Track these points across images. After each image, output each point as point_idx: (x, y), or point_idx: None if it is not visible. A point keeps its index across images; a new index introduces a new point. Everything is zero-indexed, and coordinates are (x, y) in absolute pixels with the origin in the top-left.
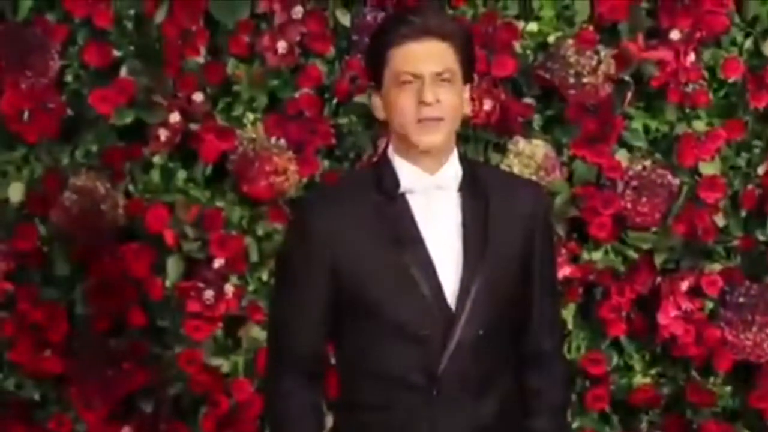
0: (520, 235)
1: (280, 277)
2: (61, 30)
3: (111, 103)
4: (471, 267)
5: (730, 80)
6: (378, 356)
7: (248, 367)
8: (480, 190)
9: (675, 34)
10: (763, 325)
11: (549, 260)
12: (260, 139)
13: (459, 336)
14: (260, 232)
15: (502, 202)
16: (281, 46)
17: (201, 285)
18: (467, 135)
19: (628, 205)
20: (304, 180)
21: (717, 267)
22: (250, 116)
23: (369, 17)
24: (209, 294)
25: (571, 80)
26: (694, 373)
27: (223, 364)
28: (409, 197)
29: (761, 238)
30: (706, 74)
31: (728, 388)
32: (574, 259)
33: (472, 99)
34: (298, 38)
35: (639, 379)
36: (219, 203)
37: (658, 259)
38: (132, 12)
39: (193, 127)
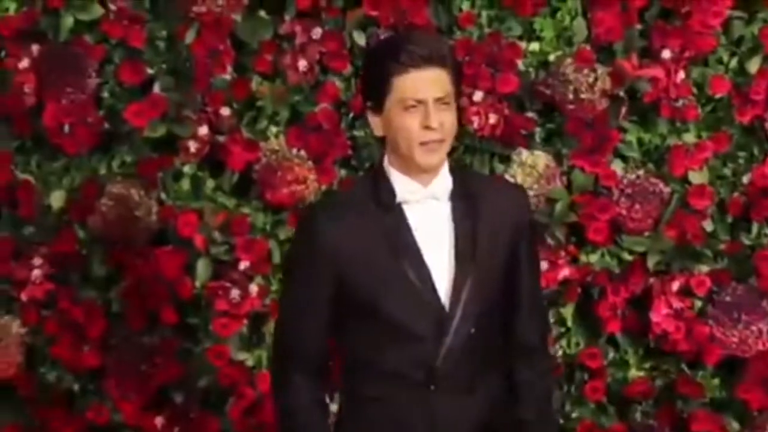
0: (507, 237)
1: (288, 280)
2: (98, 50)
3: (145, 117)
4: (462, 270)
5: (717, 96)
6: (378, 354)
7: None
8: (469, 198)
9: (666, 54)
10: (749, 323)
11: (534, 259)
12: (282, 151)
13: (453, 334)
14: (282, 236)
15: (490, 206)
16: (302, 64)
17: (228, 285)
18: (474, 146)
19: (623, 212)
20: (323, 188)
21: (705, 269)
22: (273, 129)
23: (382, 37)
24: (235, 293)
25: (570, 96)
26: (684, 367)
27: (248, 358)
28: (405, 207)
29: (746, 242)
30: (694, 90)
31: (716, 381)
32: (573, 261)
33: (478, 113)
34: (317, 57)
35: (633, 373)
36: (244, 210)
37: (651, 262)
38: (164, 33)
39: (221, 139)
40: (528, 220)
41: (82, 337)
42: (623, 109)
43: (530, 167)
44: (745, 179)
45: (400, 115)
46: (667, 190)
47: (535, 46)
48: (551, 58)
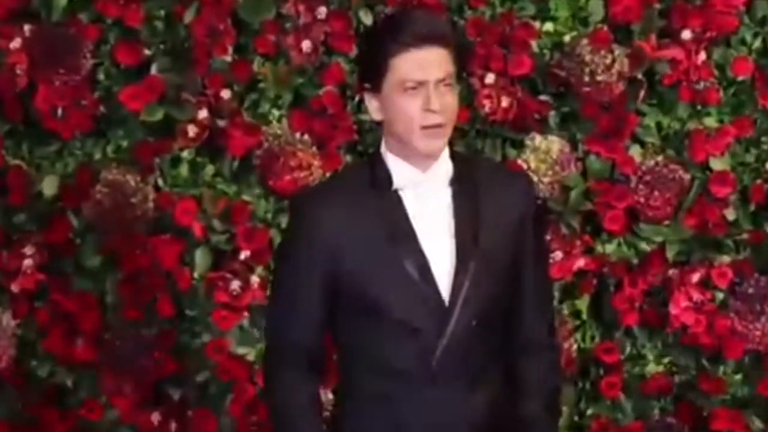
0: (511, 226)
1: (278, 272)
2: (93, 30)
3: (141, 100)
4: (463, 260)
5: (740, 78)
6: (375, 348)
7: None
8: (470, 184)
9: (686, 34)
10: None
11: (540, 250)
12: (285, 135)
13: (453, 327)
14: (285, 225)
15: (492, 194)
16: (305, 45)
17: (228, 276)
18: (485, 131)
19: (641, 199)
20: (328, 174)
21: (727, 259)
22: (276, 113)
23: (381, 17)
24: (236, 285)
25: (586, 78)
26: (704, 362)
27: (249, 353)
28: (402, 194)
29: None
30: (716, 72)
31: (738, 377)
32: (589, 251)
33: (490, 96)
34: (322, 37)
35: (651, 368)
36: (245, 197)
37: (670, 252)
38: (162, 12)
39: (221, 123)
40: (534, 209)
41: (75, 330)
42: (641, 92)
43: (544, 153)
44: None
45: (400, 98)
46: (687, 176)
47: (549, 26)
48: (566, 38)
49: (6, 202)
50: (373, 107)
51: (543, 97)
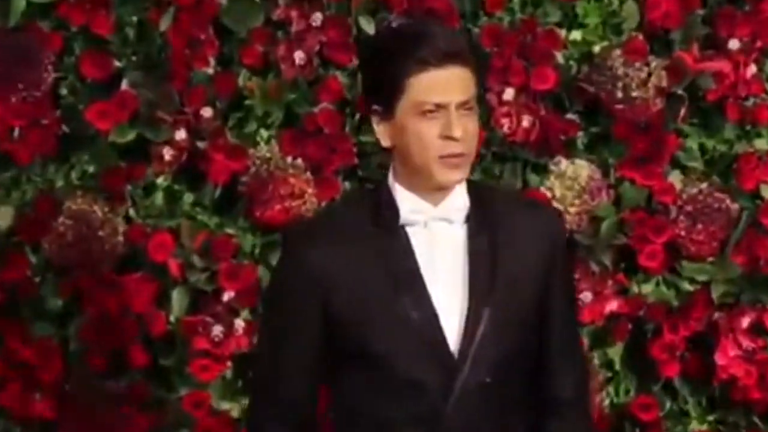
0: (535, 269)
1: (266, 316)
2: (56, 38)
3: (110, 119)
4: (476, 308)
5: None
6: (374, 405)
7: None
8: (489, 220)
9: (734, 44)
10: None
11: (568, 294)
12: (275, 159)
13: (462, 384)
14: (274, 261)
15: (515, 232)
16: (298, 56)
17: (209, 320)
18: (504, 154)
19: (682, 233)
20: (324, 204)
21: None
22: (264, 133)
23: (395, 25)
24: (218, 330)
25: (619, 94)
26: (756, 420)
27: (233, 408)
28: (410, 230)
29: None
30: None
31: None
32: (623, 292)
33: (509, 115)
34: (317, 47)
35: (695, 426)
36: (229, 230)
37: (716, 293)
38: (134, 19)
39: (201, 145)
40: (562, 248)
41: (34, 382)
42: (682, 110)
43: (571, 179)
44: None
45: (416, 123)
46: (735, 207)
47: (576, 34)
48: (596, 49)
49: None
50: (382, 132)
51: (570, 116)
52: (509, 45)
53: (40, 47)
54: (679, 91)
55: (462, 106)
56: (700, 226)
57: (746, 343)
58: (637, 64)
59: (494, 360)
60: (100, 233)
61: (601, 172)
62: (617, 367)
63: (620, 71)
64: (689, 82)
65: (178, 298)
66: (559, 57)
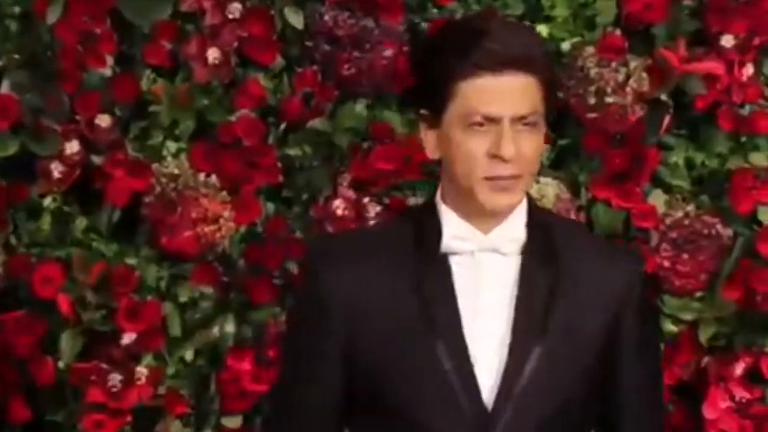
0: (601, 320)
1: (284, 352)
2: None
3: None
4: (518, 358)
5: None
6: None
7: None
8: (550, 257)
9: (727, 40)
10: None
11: (646, 353)
12: (184, 176)
13: None
14: (183, 297)
15: (581, 272)
16: (212, 54)
17: (105, 367)
18: None
19: (666, 263)
20: (242, 230)
21: None
22: (172, 146)
23: (328, 17)
24: (115, 379)
25: (592, 100)
26: None
27: None
28: (453, 260)
29: None
30: (767, 92)
31: None
32: None
33: None
34: (235, 44)
35: None
36: (129, 260)
37: (705, 334)
38: (16, 9)
39: (97, 160)
40: (637, 305)
41: None
42: (666, 119)
43: (536, 199)
44: None
45: (462, 135)
46: (727, 233)
47: (542, 29)
48: (565, 46)
49: None
50: (429, 141)
51: None
52: None
53: None
54: (663, 97)
55: (519, 121)
56: (686, 255)
57: (740, 393)
58: (614, 65)
59: (537, 421)
60: None
61: (571, 191)
62: None
63: (593, 73)
64: (674, 85)
65: (68, 341)
66: None
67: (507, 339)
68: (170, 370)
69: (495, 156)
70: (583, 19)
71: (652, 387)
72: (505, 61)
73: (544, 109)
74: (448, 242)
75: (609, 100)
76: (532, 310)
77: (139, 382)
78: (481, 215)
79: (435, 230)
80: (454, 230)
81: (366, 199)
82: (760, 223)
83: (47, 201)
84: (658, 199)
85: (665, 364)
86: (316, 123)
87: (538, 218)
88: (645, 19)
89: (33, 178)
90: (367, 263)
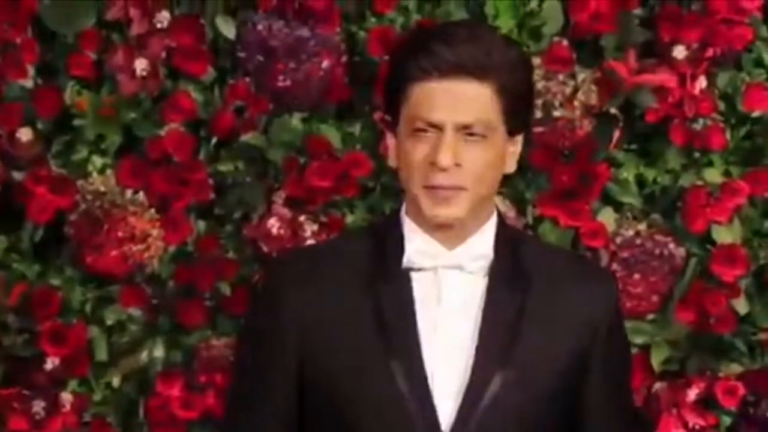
0: (571, 345)
1: (237, 360)
2: None
3: None
4: (479, 382)
5: (755, 114)
6: None
7: None
8: (519, 278)
9: (679, 52)
10: None
11: (617, 383)
12: (111, 193)
13: None
14: (110, 320)
15: (551, 298)
16: (140, 65)
17: (28, 393)
18: (396, 187)
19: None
20: (172, 249)
21: (737, 369)
22: (97, 161)
23: (261, 27)
24: (39, 405)
25: (538, 114)
26: None
27: None
28: (415, 278)
29: None
30: (721, 106)
31: None
32: None
33: None
34: (163, 55)
35: None
36: (53, 281)
37: (657, 358)
38: None
39: (18, 176)
40: (612, 321)
41: None
42: (616, 133)
43: None
44: None
45: (408, 141)
46: (680, 252)
47: None
48: None
49: None
50: (390, 148)
51: None
52: None
53: None
54: (612, 110)
55: (464, 130)
56: (637, 276)
57: (693, 420)
58: (561, 77)
59: None
60: None
61: (516, 209)
62: None
63: (540, 85)
64: (624, 98)
65: None
66: None
67: (469, 361)
68: (96, 397)
69: (433, 164)
70: (529, 30)
71: (621, 411)
72: (453, 67)
73: (504, 121)
74: (409, 257)
75: (556, 113)
76: (497, 333)
77: (63, 410)
78: (440, 229)
79: (397, 245)
80: (417, 245)
81: (302, 218)
82: (713, 243)
83: None
84: (607, 218)
85: None
86: (249, 137)
87: (507, 236)
88: (593, 29)
89: None
90: (326, 279)
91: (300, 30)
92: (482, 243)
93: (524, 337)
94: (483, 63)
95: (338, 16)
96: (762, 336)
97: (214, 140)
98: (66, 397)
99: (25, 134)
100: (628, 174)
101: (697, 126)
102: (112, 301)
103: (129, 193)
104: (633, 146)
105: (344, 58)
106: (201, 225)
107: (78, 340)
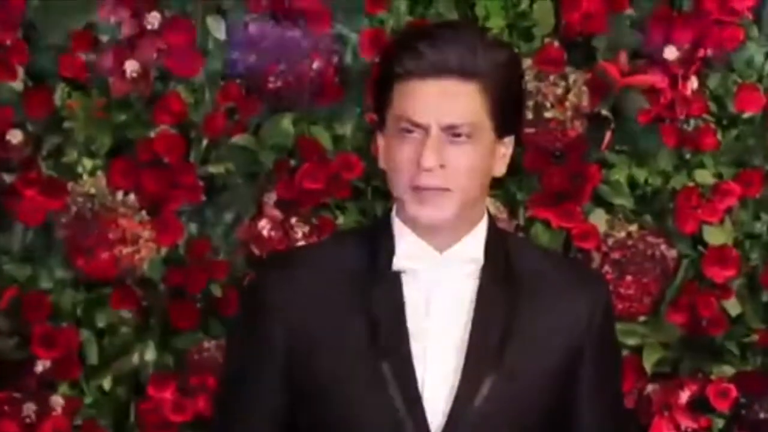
0: (563, 349)
1: (225, 367)
2: None
3: None
4: (470, 385)
5: (746, 115)
6: None
7: None
8: (510, 281)
9: (670, 53)
10: None
11: (607, 385)
12: (101, 196)
13: None
14: (101, 323)
15: (542, 301)
16: (131, 67)
17: (18, 396)
18: (387, 190)
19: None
20: (163, 251)
21: (729, 371)
22: (88, 163)
23: (252, 28)
24: (30, 409)
25: (529, 115)
26: None
27: None
28: (405, 279)
29: None
30: (713, 107)
31: None
32: None
33: None
34: (154, 56)
35: None
36: (44, 284)
37: (649, 360)
38: None
39: (8, 178)
40: (601, 325)
41: None
42: (607, 135)
43: None
44: None
45: (394, 141)
46: (672, 254)
47: None
48: None
49: None
50: (379, 149)
51: None
52: None
53: None
54: (604, 111)
55: (449, 130)
56: (629, 277)
57: (685, 422)
58: (552, 78)
59: None
60: None
61: (508, 211)
62: None
63: (531, 86)
64: (616, 99)
65: None
66: None
67: (460, 363)
68: (87, 400)
69: (418, 165)
70: (520, 31)
71: (612, 414)
72: (438, 67)
73: (492, 122)
74: (400, 259)
75: (547, 115)
76: (487, 336)
77: (54, 413)
78: (429, 231)
79: (388, 246)
80: (407, 247)
81: (293, 219)
82: (705, 244)
83: None
84: (599, 219)
85: None
86: (240, 139)
87: (498, 238)
88: (585, 30)
89: None
90: (315, 281)
91: (291, 31)
92: (473, 245)
93: (515, 340)
94: (468, 63)
95: (329, 17)
96: (754, 337)
97: (205, 142)
98: (57, 400)
99: (15, 136)
100: (619, 175)
101: (689, 127)
102: (103, 303)
103: (120, 195)
104: (624, 147)
105: (336, 59)
106: (192, 227)
107: (69, 342)
